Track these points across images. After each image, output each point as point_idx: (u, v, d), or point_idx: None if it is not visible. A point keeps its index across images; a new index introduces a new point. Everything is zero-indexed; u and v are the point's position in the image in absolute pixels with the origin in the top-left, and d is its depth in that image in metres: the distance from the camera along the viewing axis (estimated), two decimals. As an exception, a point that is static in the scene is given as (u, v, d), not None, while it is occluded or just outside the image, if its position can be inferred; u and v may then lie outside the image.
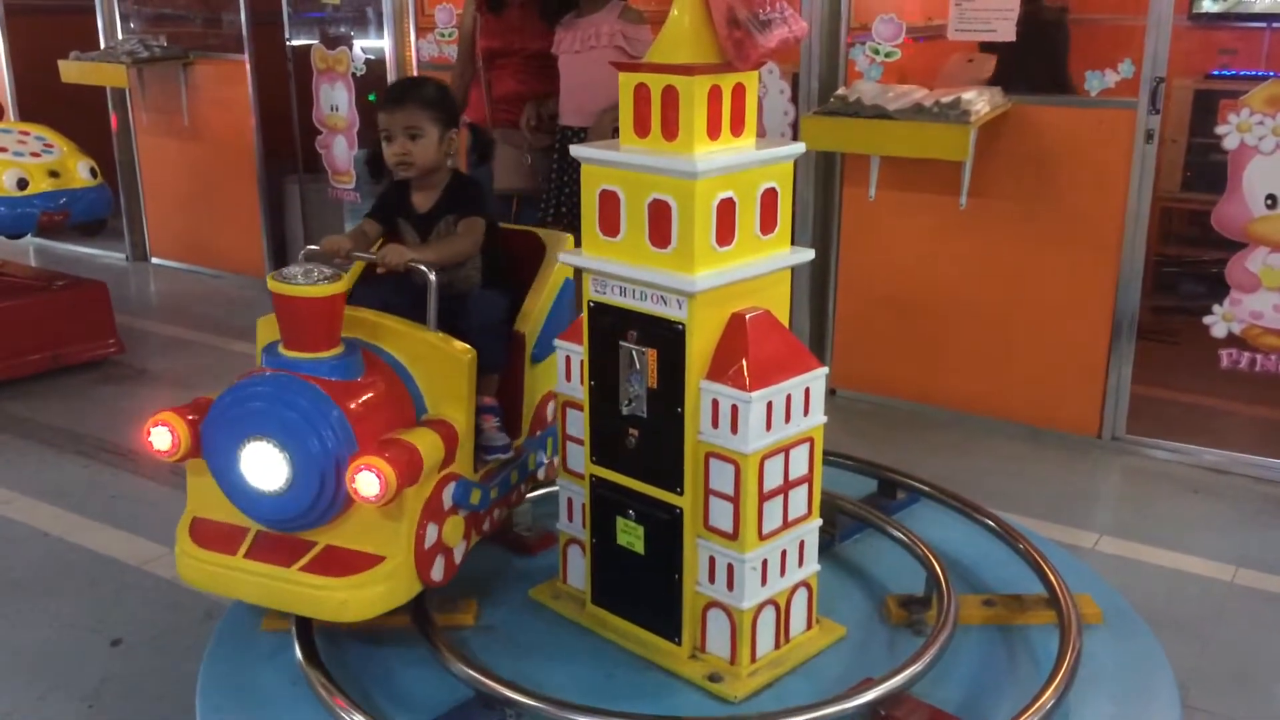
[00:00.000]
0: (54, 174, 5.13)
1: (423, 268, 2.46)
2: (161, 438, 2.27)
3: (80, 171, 5.23)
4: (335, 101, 6.40)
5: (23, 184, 4.99)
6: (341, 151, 6.45)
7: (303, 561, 2.24)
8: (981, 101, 4.12)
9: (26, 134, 5.33)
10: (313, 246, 2.54)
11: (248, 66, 6.66)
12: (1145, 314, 4.37)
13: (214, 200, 7.12)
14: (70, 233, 7.18)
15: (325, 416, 2.18)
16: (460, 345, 2.41)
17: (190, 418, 2.28)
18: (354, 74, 6.28)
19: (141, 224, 7.58)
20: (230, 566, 2.28)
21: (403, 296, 2.58)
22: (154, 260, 7.58)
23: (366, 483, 2.14)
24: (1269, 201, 3.94)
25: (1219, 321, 4.12)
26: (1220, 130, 3.99)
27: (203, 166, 7.12)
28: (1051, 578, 2.67)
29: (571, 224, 4.65)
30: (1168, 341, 4.87)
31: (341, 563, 2.25)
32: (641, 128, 2.27)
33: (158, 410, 2.27)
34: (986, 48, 4.54)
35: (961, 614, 2.57)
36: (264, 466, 2.20)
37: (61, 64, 6.96)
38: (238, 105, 6.77)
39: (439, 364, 2.40)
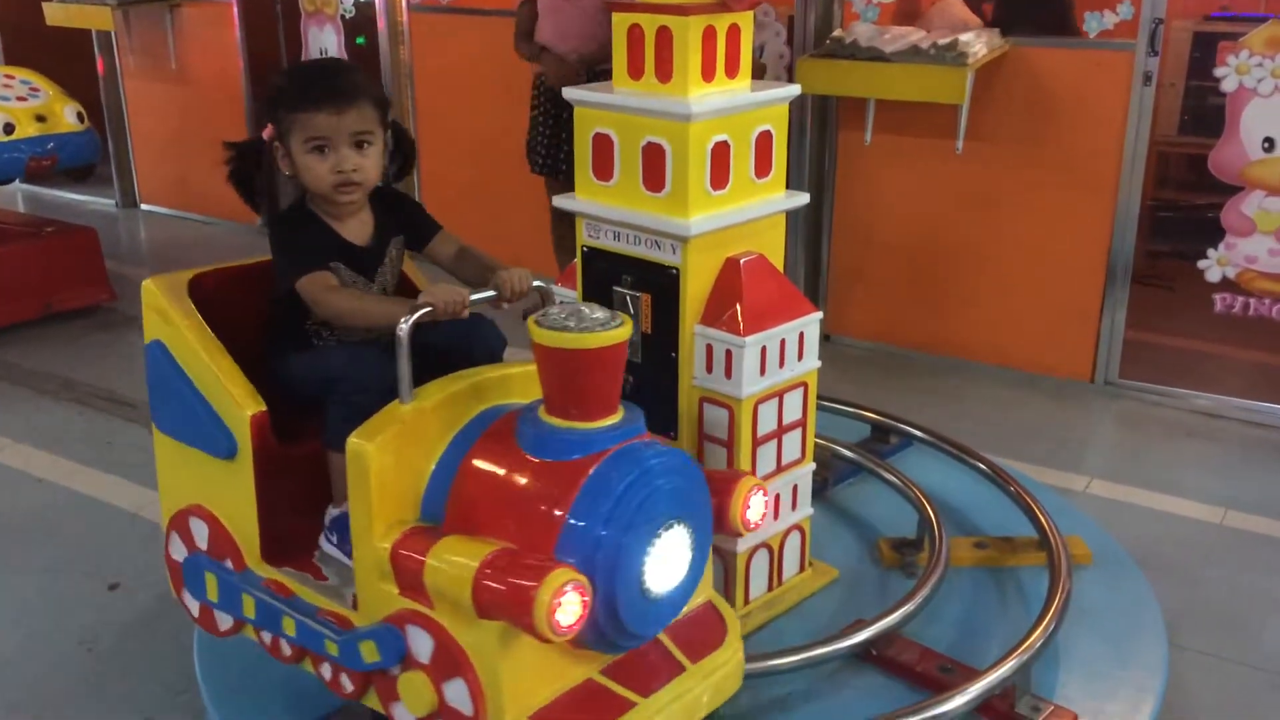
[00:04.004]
0: (41, 118, 5.08)
1: (544, 284, 2.08)
2: (572, 608, 1.57)
3: (67, 116, 5.17)
4: (324, 44, 6.31)
5: (9, 129, 4.93)
6: (331, 95, 6.36)
7: (682, 654, 1.87)
8: (979, 43, 4.08)
9: (12, 78, 5.25)
10: (422, 310, 1.86)
11: (235, 9, 6.55)
12: (1140, 258, 4.37)
13: (203, 145, 7.00)
14: (59, 178, 7.12)
15: (701, 475, 1.81)
16: None
17: (567, 560, 1.63)
18: (343, 16, 6.19)
19: (130, 170, 7.50)
20: (650, 712, 1.78)
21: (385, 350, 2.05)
22: (144, 206, 7.51)
23: (759, 506, 1.88)
24: (1266, 145, 3.92)
25: (1213, 266, 4.11)
26: (1219, 72, 3.96)
27: (191, 111, 7.04)
28: (1042, 520, 2.70)
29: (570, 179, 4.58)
30: (1162, 286, 4.87)
31: (698, 631, 1.92)
32: (635, 69, 2.25)
33: (534, 572, 1.55)
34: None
35: (953, 556, 2.60)
36: (672, 560, 1.72)
37: (46, 6, 6.85)
38: (225, 48, 6.68)
39: None
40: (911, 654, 2.31)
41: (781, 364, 2.32)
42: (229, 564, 2.10)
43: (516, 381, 1.96)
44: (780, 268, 2.40)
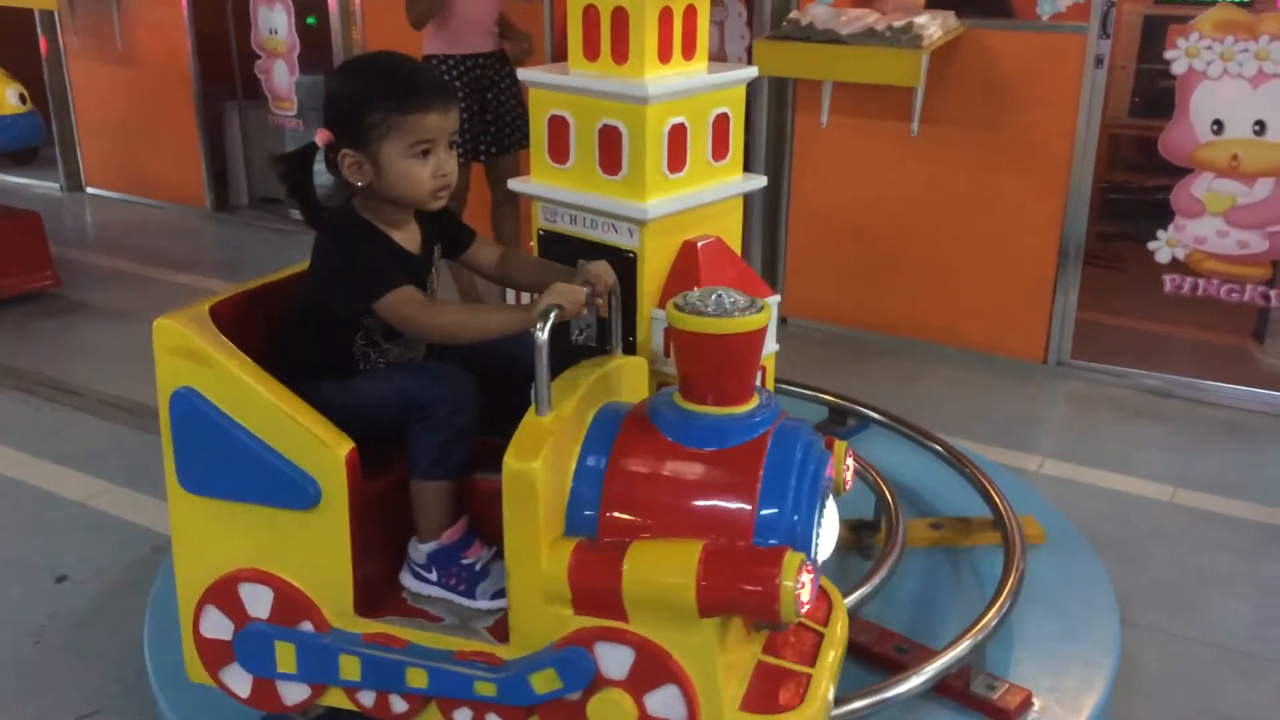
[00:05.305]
0: (-19, 100, 4.95)
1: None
2: (807, 589, 1.61)
3: (9, 98, 5.05)
4: (274, 24, 6.21)
5: (-52, 110, 4.81)
6: (282, 77, 6.27)
7: (813, 622, 1.92)
8: (934, 26, 4.09)
9: (-50, 58, 5.12)
10: (554, 313, 1.75)
11: (182, -13, 6.44)
12: (1091, 240, 4.42)
13: (150, 127, 6.92)
14: (1, 161, 6.96)
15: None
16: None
17: (766, 544, 1.65)
18: (293, -5, 6.09)
19: (75, 152, 7.35)
20: (824, 680, 1.81)
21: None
22: (89, 190, 7.36)
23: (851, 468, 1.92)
24: (1215, 127, 3.97)
25: (1163, 247, 4.17)
26: (1169, 55, 4.00)
27: (138, 92, 6.90)
28: (997, 500, 2.73)
29: (495, 157, 4.53)
30: (1113, 267, 4.93)
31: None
32: (591, 51, 2.22)
33: (767, 560, 1.59)
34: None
35: (909, 537, 2.62)
36: (828, 529, 1.77)
37: (-15, -16, 6.68)
38: (172, 28, 6.55)
39: (641, 383, 2.10)
40: (869, 635, 2.32)
41: (739, 347, 2.32)
42: (307, 627, 1.90)
43: (620, 378, 1.95)
44: (738, 251, 2.39)
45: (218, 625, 1.96)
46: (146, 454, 3.63)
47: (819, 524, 1.70)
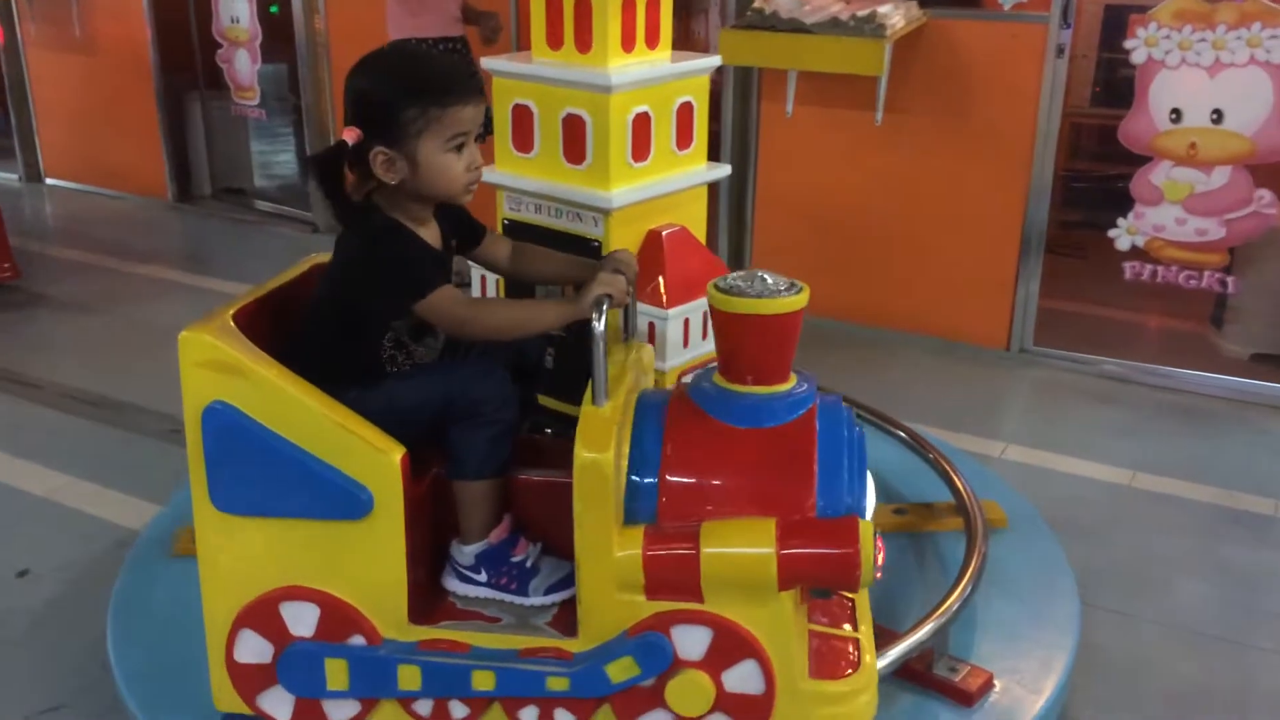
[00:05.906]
0: (-65, 89, 4.88)
1: None
2: (880, 555, 1.74)
3: (-37, 87, 4.97)
4: (236, 13, 6.14)
5: (-99, 99, 4.73)
6: (244, 66, 6.21)
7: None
8: (897, 15, 4.11)
9: (-98, 46, 5.03)
10: (605, 303, 1.82)
11: (141, -26, 6.35)
12: (1053, 228, 4.46)
13: (111, 117, 6.82)
14: (-44, 152, 6.86)
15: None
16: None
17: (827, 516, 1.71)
18: (255, -17, 6.03)
19: (34, 143, 7.24)
20: (868, 643, 1.89)
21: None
22: (49, 181, 7.26)
23: None
24: (1174, 115, 4.02)
25: (1123, 235, 4.22)
26: (1129, 44, 4.04)
27: (98, 82, 6.80)
28: (960, 486, 2.76)
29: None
30: (1074, 255, 4.98)
31: None
32: (554, 39, 2.22)
33: (842, 530, 1.66)
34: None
35: (874, 522, 2.64)
36: (870, 503, 1.85)
37: (-62, -29, 6.57)
38: (132, 16, 6.46)
39: (652, 371, 2.17)
40: (834, 620, 2.34)
41: (705, 336, 2.33)
42: (358, 641, 1.85)
43: (643, 366, 1.99)
44: (703, 239, 2.40)
45: (255, 649, 1.89)
46: (109, 447, 3.60)
47: (866, 496, 1.76)
